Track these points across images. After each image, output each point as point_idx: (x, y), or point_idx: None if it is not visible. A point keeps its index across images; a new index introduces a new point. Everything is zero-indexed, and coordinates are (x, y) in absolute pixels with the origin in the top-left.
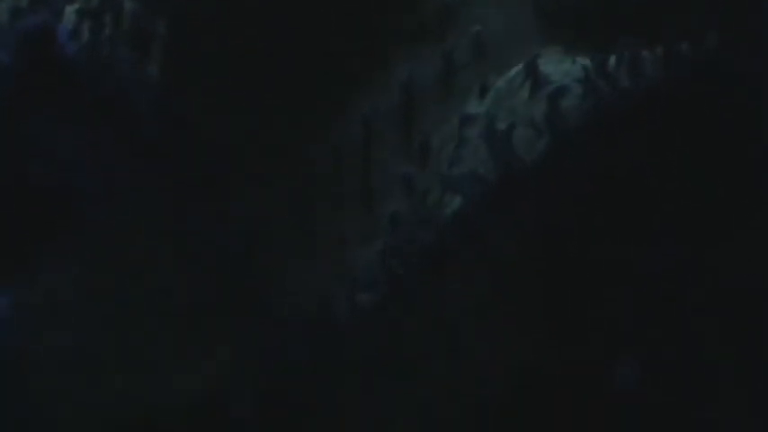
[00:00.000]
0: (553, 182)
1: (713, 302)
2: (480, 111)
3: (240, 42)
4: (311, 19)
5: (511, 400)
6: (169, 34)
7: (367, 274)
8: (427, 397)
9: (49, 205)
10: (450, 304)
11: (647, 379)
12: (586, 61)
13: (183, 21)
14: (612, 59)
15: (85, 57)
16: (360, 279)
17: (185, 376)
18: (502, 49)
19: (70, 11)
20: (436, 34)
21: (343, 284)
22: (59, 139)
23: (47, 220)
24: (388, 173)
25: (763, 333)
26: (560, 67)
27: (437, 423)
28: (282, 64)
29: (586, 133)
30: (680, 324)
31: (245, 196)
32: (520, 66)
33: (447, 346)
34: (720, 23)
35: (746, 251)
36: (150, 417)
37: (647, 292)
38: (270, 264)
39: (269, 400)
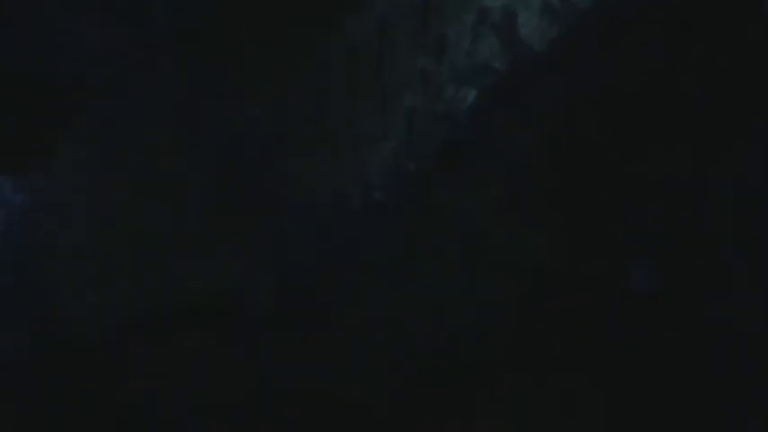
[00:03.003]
0: (565, 70)
1: (726, 201)
2: (497, 4)
3: None
4: None
5: (528, 297)
6: None
7: (382, 171)
8: (442, 295)
9: (60, 97)
10: (466, 201)
11: (661, 277)
12: None
13: None
14: None
15: None
16: (374, 176)
17: (199, 274)
18: None
19: None
20: None
21: (357, 182)
22: (72, 31)
23: (58, 111)
24: (404, 68)
25: None
26: None
27: (451, 322)
28: None
29: (596, 18)
30: (694, 222)
31: (259, 92)
32: None
33: (462, 244)
34: None
35: (759, 149)
36: (163, 314)
37: (661, 186)
38: (284, 161)
39: (282, 298)
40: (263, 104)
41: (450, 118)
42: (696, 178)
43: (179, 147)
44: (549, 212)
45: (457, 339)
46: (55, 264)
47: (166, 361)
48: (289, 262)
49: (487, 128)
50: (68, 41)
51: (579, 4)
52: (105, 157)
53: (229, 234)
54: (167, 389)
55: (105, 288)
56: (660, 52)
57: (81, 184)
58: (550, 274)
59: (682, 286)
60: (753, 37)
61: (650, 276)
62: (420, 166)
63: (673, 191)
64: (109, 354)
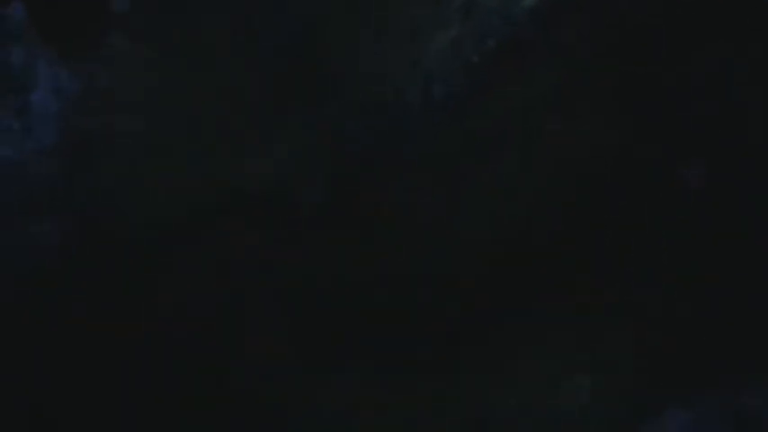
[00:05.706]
0: None
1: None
2: None
3: None
4: None
5: (582, 191)
6: None
7: (441, 62)
8: (499, 186)
9: None
10: (523, 95)
11: (712, 177)
12: None
13: None
14: None
15: None
16: (433, 67)
17: (257, 160)
18: None
19: None
20: None
21: (416, 72)
22: None
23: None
24: None
25: None
26: None
27: (507, 216)
28: None
29: None
30: (742, 126)
31: None
32: None
33: (519, 138)
34: None
35: None
36: (222, 200)
37: (714, 90)
38: (342, 51)
39: (338, 185)
40: None
41: (507, 12)
42: (743, 85)
43: (231, 37)
44: (604, 111)
45: (513, 233)
46: (110, 151)
47: (214, 250)
48: (343, 155)
49: (546, 27)
50: None
51: None
52: (158, 47)
53: (282, 127)
54: (214, 277)
55: (158, 176)
56: None
57: (136, 72)
58: (604, 172)
59: (728, 185)
60: None
61: (700, 175)
62: (478, 58)
63: (723, 95)
64: (158, 242)
